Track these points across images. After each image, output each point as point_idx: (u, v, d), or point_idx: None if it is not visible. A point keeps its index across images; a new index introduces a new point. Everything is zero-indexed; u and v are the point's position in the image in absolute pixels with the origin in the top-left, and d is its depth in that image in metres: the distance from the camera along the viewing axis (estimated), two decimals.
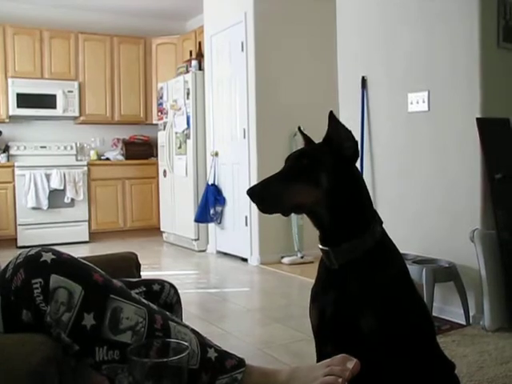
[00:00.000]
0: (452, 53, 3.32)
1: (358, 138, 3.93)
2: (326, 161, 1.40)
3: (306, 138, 1.64)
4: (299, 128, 1.63)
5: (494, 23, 3.24)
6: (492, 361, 2.49)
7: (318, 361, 1.34)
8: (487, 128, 3.15)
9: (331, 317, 1.38)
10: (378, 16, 3.84)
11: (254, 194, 1.35)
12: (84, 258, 1.19)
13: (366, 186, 1.47)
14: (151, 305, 1.13)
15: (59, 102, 6.98)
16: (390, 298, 1.36)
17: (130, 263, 1.65)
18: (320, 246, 1.46)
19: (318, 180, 1.36)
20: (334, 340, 1.38)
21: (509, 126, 3.28)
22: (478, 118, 3.14)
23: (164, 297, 1.39)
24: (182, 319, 1.41)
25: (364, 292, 1.36)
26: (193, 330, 1.17)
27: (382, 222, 1.45)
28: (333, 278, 1.42)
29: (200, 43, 6.58)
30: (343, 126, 1.44)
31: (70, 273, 1.04)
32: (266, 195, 1.36)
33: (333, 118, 1.45)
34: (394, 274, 1.41)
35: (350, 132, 1.43)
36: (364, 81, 3.92)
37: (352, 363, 1.14)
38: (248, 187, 1.37)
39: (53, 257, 1.05)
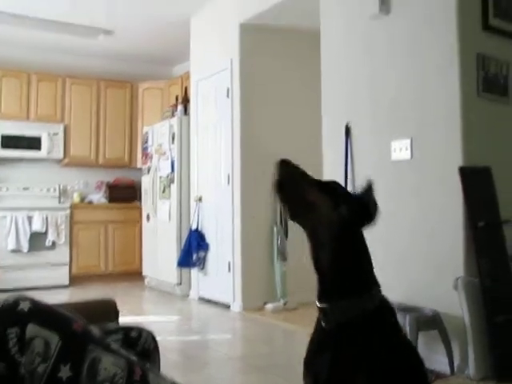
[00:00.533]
0: (434, 102, 3.38)
1: (341, 182, 3.95)
2: (353, 207, 1.42)
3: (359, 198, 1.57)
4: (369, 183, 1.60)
5: (473, 74, 3.32)
6: None
7: None
8: (469, 176, 3.19)
9: (325, 381, 1.35)
10: (362, 65, 3.92)
11: (282, 167, 1.57)
12: (62, 305, 1.16)
13: (369, 253, 1.47)
14: (131, 355, 1.10)
15: (44, 143, 6.98)
16: (387, 368, 1.33)
17: (109, 309, 1.62)
18: (317, 304, 1.42)
19: (340, 210, 1.40)
20: None
21: (490, 174, 3.33)
22: (460, 167, 3.18)
23: (141, 344, 1.36)
24: (159, 367, 1.38)
25: (360, 357, 1.32)
26: (173, 382, 1.14)
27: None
28: (328, 339, 1.39)
29: (186, 88, 6.65)
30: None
31: (48, 322, 1.01)
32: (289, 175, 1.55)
33: (372, 189, 1.49)
34: (393, 344, 1.39)
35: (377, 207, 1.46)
36: (348, 128, 3.96)
37: None
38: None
39: (30, 306, 1.03)
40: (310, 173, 1.57)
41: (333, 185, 1.53)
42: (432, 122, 3.40)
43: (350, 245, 1.41)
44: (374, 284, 1.42)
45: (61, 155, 7.13)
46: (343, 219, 1.40)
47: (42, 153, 6.99)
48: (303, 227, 1.52)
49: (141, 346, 1.35)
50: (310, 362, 1.43)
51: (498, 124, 3.51)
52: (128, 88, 7.67)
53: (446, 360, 3.13)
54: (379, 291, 1.43)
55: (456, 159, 3.22)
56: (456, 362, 3.14)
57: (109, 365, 1.04)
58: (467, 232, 3.17)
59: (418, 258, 3.42)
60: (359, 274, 1.40)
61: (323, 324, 1.40)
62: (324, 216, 1.42)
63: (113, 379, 1.03)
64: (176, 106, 6.51)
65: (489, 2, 3.41)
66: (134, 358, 1.10)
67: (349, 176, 3.95)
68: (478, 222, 3.14)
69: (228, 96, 5.46)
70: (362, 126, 3.89)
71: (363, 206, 1.43)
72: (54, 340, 1.00)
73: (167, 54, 7.53)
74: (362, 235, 1.45)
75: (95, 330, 1.13)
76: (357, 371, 1.30)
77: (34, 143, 6.93)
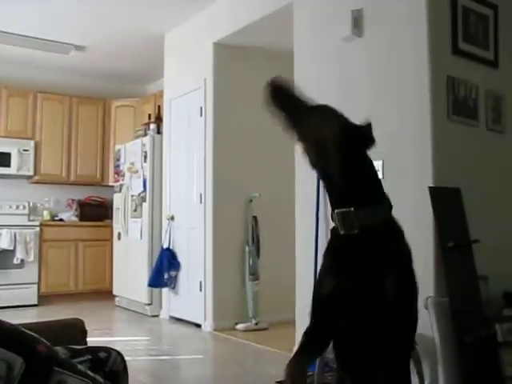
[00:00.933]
0: (405, 124, 3.43)
1: (313, 202, 3.97)
2: (351, 128, 1.55)
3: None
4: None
5: (443, 97, 3.38)
6: None
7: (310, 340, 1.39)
8: (439, 197, 3.23)
9: (354, 285, 1.36)
10: (335, 86, 3.96)
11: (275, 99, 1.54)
12: (28, 325, 1.13)
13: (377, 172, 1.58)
14: (97, 377, 1.08)
15: (14, 160, 6.88)
16: (409, 269, 1.52)
17: (76, 330, 1.59)
18: (337, 210, 1.47)
19: (338, 127, 1.49)
20: (352, 311, 1.37)
21: (460, 195, 3.37)
22: (430, 187, 3.21)
23: (110, 365, 1.34)
24: None
25: (389, 258, 1.44)
26: None
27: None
28: (351, 245, 1.41)
29: (159, 107, 6.64)
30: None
31: (11, 344, 0.99)
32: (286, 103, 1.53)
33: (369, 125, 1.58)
34: (409, 250, 1.55)
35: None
36: None
37: None
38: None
39: None
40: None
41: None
42: (403, 144, 3.44)
43: (358, 157, 1.51)
44: (386, 197, 1.56)
45: (31, 172, 7.04)
46: (346, 130, 1.50)
47: (12, 169, 6.89)
48: (302, 139, 1.62)
49: (109, 367, 1.33)
50: (329, 271, 1.44)
51: (467, 146, 3.56)
52: (100, 105, 7.63)
53: (416, 380, 3.13)
54: (390, 204, 1.56)
55: (426, 180, 3.26)
56: (426, 382, 3.15)
57: None
58: (437, 252, 3.20)
59: None
60: (374, 185, 1.53)
61: (342, 231, 1.41)
62: (328, 128, 1.51)
63: None
64: (149, 124, 6.49)
65: (458, 26, 3.48)
66: (100, 379, 1.08)
67: (321, 192, 3.96)
68: (448, 242, 3.17)
69: (201, 115, 5.47)
70: None
71: (360, 127, 1.56)
72: (18, 362, 0.97)
73: (140, 71, 7.52)
74: (368, 155, 1.56)
75: (61, 351, 1.10)
76: (384, 273, 1.35)
77: (3, 159, 6.83)
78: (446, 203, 3.28)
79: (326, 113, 1.55)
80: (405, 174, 3.42)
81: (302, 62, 4.27)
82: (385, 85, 3.58)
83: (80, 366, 1.08)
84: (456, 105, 3.44)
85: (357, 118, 3.75)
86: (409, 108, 3.42)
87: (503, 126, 3.81)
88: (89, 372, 1.07)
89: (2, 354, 0.97)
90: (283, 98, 1.48)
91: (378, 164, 3.55)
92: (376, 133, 3.58)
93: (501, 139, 3.83)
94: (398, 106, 3.48)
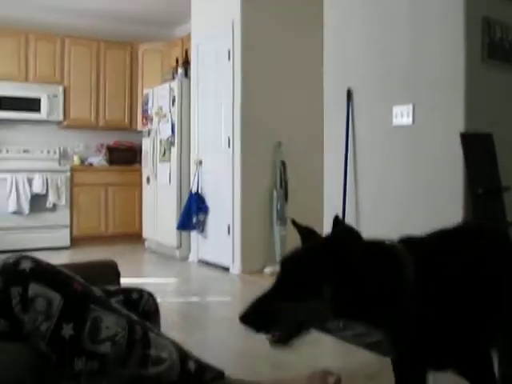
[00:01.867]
0: (438, 67, 3.35)
1: (342, 150, 3.95)
2: (328, 269, 1.16)
3: (303, 233, 1.33)
4: (293, 221, 1.34)
5: (478, 40, 3.28)
6: None
7: None
8: (470, 143, 3.18)
9: None
10: (364, 29, 3.87)
11: (247, 320, 1.16)
12: (64, 266, 1.17)
13: (375, 257, 1.24)
14: (131, 315, 1.11)
15: (43, 105, 6.93)
16: None
17: (110, 271, 1.63)
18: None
19: (322, 292, 1.14)
20: None
21: (492, 140, 3.31)
22: (461, 133, 3.16)
23: (142, 305, 1.37)
24: (160, 328, 1.39)
25: None
26: (173, 342, 1.16)
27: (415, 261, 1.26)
28: None
29: (187, 51, 6.57)
30: (352, 230, 1.23)
31: (49, 281, 1.02)
32: (262, 320, 1.15)
33: (339, 225, 1.25)
34: None
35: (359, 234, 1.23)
36: (349, 92, 3.93)
37: (333, 378, 1.13)
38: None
39: (31, 265, 1.03)
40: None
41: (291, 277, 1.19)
42: (435, 88, 3.37)
43: (350, 289, 1.17)
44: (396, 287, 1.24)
45: (60, 117, 7.09)
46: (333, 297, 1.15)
47: (42, 115, 6.95)
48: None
49: (142, 308, 1.36)
50: None
51: (501, 91, 3.48)
52: (128, 49, 7.58)
53: None
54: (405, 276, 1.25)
55: (458, 125, 3.21)
56: None
57: (110, 324, 1.05)
58: (467, 199, 3.18)
59: (417, 226, 3.44)
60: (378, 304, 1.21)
61: None
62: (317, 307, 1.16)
63: (114, 338, 1.05)
64: (176, 68, 6.44)
65: None
66: (134, 317, 1.12)
67: (349, 140, 3.93)
68: (478, 188, 3.14)
69: (229, 58, 5.40)
70: (364, 91, 3.86)
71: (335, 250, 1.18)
72: (57, 299, 1.01)
73: (168, 14, 7.41)
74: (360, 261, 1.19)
75: (96, 290, 1.14)
76: None
77: (33, 105, 6.88)
78: (478, 149, 3.23)
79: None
80: (436, 118, 3.37)
81: (331, 4, 4.16)
82: (417, 28, 3.48)
83: (115, 304, 1.11)
84: (491, 47, 3.35)
85: (387, 62, 3.67)
86: (442, 51, 3.33)
87: None
88: (123, 310, 1.11)
89: (42, 291, 1.01)
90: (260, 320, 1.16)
91: (408, 108, 3.50)
92: (407, 77, 3.53)
93: None
94: (431, 49, 3.40)
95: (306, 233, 1.31)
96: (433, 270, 1.28)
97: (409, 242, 1.32)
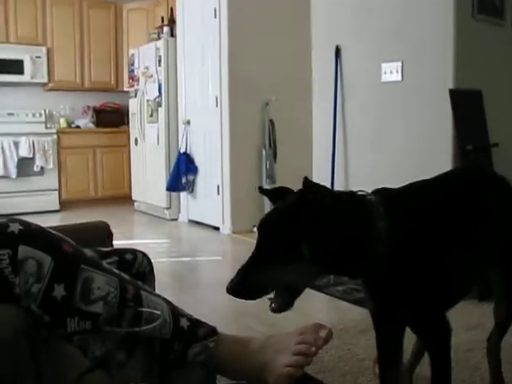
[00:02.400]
0: (426, 23, 3.31)
1: (330, 107, 3.93)
2: (305, 227, 1.15)
3: (273, 198, 1.31)
4: (259, 188, 1.32)
5: None
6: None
7: None
8: (460, 99, 3.17)
9: None
10: None
11: (235, 292, 1.16)
12: (54, 228, 1.16)
13: (349, 207, 1.22)
14: (123, 274, 1.12)
15: (27, 67, 6.80)
16: None
17: (102, 232, 1.63)
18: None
19: (302, 253, 1.13)
20: None
21: (481, 97, 3.31)
22: (450, 90, 3.15)
23: (137, 266, 1.38)
24: (154, 289, 1.40)
25: None
26: (165, 300, 1.16)
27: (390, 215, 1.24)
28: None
29: (172, 9, 6.45)
30: (322, 187, 1.17)
31: (39, 243, 1.02)
32: (248, 290, 1.16)
33: (308, 183, 1.16)
34: None
35: (328, 190, 1.20)
36: (338, 50, 3.89)
37: (325, 331, 1.15)
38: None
39: (20, 227, 1.03)
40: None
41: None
42: (424, 44, 3.34)
43: (330, 243, 1.16)
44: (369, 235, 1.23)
45: (45, 79, 6.97)
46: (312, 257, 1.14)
47: (26, 77, 6.83)
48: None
49: (136, 269, 1.36)
50: None
51: (491, 47, 3.46)
52: (112, 8, 7.42)
53: None
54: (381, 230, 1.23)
55: (447, 82, 3.20)
56: None
57: (102, 284, 1.05)
58: (456, 155, 3.19)
59: (405, 181, 3.45)
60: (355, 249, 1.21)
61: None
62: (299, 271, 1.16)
63: (106, 298, 1.05)
64: (162, 27, 6.33)
65: None
66: (126, 276, 1.12)
67: (338, 98, 3.91)
68: (467, 145, 3.15)
69: (215, 17, 5.31)
70: (353, 48, 3.83)
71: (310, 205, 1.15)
72: (47, 260, 1.01)
73: None
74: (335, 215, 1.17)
75: (87, 251, 1.14)
76: None
77: (16, 67, 6.75)
78: (467, 106, 3.23)
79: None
80: (425, 75, 3.35)
81: None
82: None
83: (106, 264, 1.11)
84: (481, 3, 3.31)
85: (376, 19, 3.62)
86: (431, 7, 3.29)
87: None
88: (114, 269, 1.11)
89: (32, 253, 1.00)
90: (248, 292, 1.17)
91: (397, 65, 3.47)
92: (396, 33, 3.49)
93: None
94: (419, 4, 3.35)
95: (276, 195, 1.29)
96: (405, 220, 1.28)
97: (382, 193, 1.31)
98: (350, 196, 1.26)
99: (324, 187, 1.17)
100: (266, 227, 1.21)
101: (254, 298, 1.18)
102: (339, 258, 1.19)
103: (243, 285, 1.17)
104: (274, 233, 1.18)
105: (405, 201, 1.34)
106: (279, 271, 1.15)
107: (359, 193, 1.27)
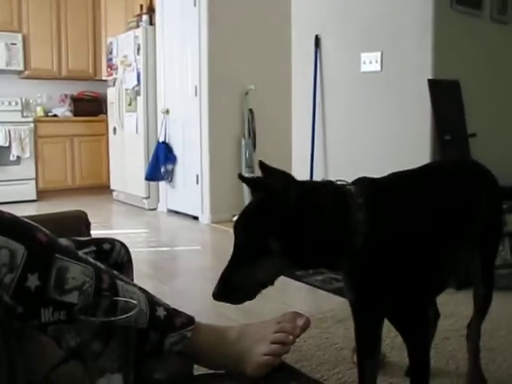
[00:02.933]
0: (406, 14, 3.32)
1: (310, 97, 3.92)
2: (272, 222, 1.13)
3: (252, 186, 1.28)
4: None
5: None
6: None
7: None
8: (438, 89, 3.19)
9: None
10: None
11: (221, 297, 1.16)
12: (31, 218, 1.14)
13: (324, 198, 1.19)
14: (98, 264, 1.10)
15: (1, 54, 6.69)
16: None
17: (80, 222, 1.60)
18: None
19: (271, 248, 1.12)
20: None
21: (459, 87, 3.33)
22: (429, 80, 3.17)
23: (115, 256, 1.36)
24: (132, 279, 1.38)
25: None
26: (141, 289, 1.15)
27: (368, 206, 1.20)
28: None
29: None
30: (282, 173, 1.15)
31: (12, 232, 1.00)
32: (232, 293, 1.16)
33: (266, 168, 1.17)
34: None
35: (291, 177, 1.16)
36: (317, 39, 3.89)
37: (302, 320, 1.15)
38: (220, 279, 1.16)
39: None
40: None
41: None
42: (403, 34, 3.35)
43: (300, 237, 1.14)
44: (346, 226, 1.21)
45: (21, 67, 6.87)
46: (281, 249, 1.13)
47: (1, 64, 6.72)
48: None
49: (114, 258, 1.35)
50: None
51: (469, 37, 3.48)
52: None
53: None
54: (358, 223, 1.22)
55: (426, 72, 3.21)
56: None
57: (77, 273, 1.04)
58: (434, 145, 3.21)
59: (384, 171, 3.46)
60: (329, 243, 1.19)
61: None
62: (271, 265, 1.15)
63: (81, 287, 1.03)
64: (141, 15, 6.26)
65: None
66: (102, 266, 1.10)
67: (317, 88, 3.91)
68: (445, 135, 3.17)
69: (195, 5, 5.27)
70: (332, 38, 3.82)
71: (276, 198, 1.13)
72: (20, 250, 0.99)
73: None
74: (303, 210, 1.14)
75: (63, 241, 1.12)
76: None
77: None
78: (445, 96, 3.25)
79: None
80: (404, 65, 3.36)
81: None
82: None
83: (81, 254, 1.09)
84: None
85: (355, 10, 3.62)
86: None
87: (509, 16, 3.70)
88: (90, 259, 1.09)
89: (5, 242, 0.98)
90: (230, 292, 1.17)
91: (376, 55, 3.48)
92: (375, 24, 3.49)
93: (504, 31, 3.74)
94: None
95: (255, 184, 1.26)
96: (385, 212, 1.25)
97: (362, 183, 1.27)
98: (325, 185, 1.23)
99: (289, 175, 1.14)
100: (238, 226, 1.18)
101: (240, 300, 1.18)
102: (313, 252, 1.17)
103: (226, 289, 1.16)
104: (244, 231, 1.16)
105: (385, 191, 1.30)
106: (254, 270, 1.14)
107: (338, 182, 1.24)
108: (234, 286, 1.15)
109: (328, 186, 1.23)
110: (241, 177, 1.29)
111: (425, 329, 1.38)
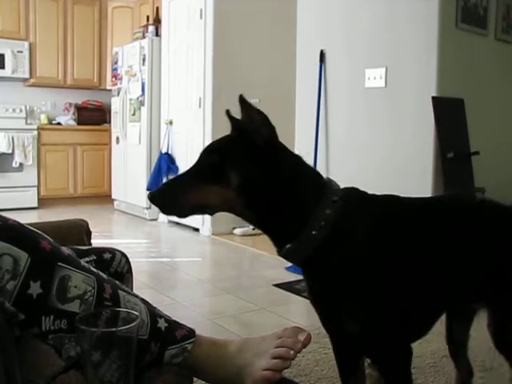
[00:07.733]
0: (411, 31, 3.34)
1: (313, 111, 3.93)
2: (236, 154, 1.15)
3: (234, 123, 1.27)
4: (227, 112, 1.27)
5: (453, 4, 3.28)
6: None
7: None
8: (442, 107, 3.20)
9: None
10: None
11: (154, 198, 1.15)
12: (32, 225, 1.14)
13: (303, 173, 1.21)
14: (100, 273, 1.10)
15: (8, 61, 6.72)
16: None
17: (81, 230, 1.60)
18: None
19: (227, 178, 1.13)
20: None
21: (463, 105, 3.34)
22: (433, 97, 3.18)
23: (115, 266, 1.36)
24: (132, 288, 1.38)
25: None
26: (143, 300, 1.15)
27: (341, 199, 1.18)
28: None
29: (158, 8, 6.42)
30: (257, 110, 1.18)
31: (16, 239, 0.99)
32: (166, 198, 1.15)
33: (244, 103, 1.19)
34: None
35: (265, 117, 1.20)
36: (322, 54, 3.90)
37: (303, 335, 1.14)
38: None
39: None
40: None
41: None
42: (408, 51, 3.36)
43: (261, 185, 1.15)
44: (315, 206, 1.17)
45: (26, 74, 6.90)
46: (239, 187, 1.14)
47: (7, 71, 6.74)
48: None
49: (114, 268, 1.34)
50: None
51: (474, 56, 3.49)
52: (97, 6, 7.37)
53: None
54: (329, 207, 1.18)
55: (430, 89, 3.22)
56: None
57: (79, 282, 1.03)
58: (436, 162, 3.21)
59: (386, 187, 3.46)
60: (291, 211, 1.17)
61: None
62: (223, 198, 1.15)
63: (83, 297, 1.03)
64: (147, 26, 6.30)
65: None
66: (104, 276, 1.10)
67: (321, 102, 3.92)
68: (448, 152, 3.17)
69: (201, 17, 5.30)
70: (337, 53, 3.84)
71: (249, 135, 1.17)
72: (23, 257, 0.99)
73: None
74: (277, 160, 1.16)
75: (65, 249, 1.12)
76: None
77: None
78: (449, 114, 3.26)
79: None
80: (408, 82, 3.37)
81: None
82: None
83: (83, 263, 1.09)
84: (465, 12, 3.34)
85: (361, 25, 3.64)
86: (416, 14, 3.31)
87: None
88: (92, 268, 1.09)
89: (8, 249, 0.98)
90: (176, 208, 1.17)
91: (381, 71, 3.49)
92: (380, 39, 3.50)
93: (509, 50, 3.75)
94: (404, 12, 3.37)
95: (236, 122, 1.26)
96: (353, 223, 1.17)
97: (348, 189, 1.25)
98: (308, 166, 1.23)
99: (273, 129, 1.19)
100: (206, 148, 1.21)
101: (171, 211, 1.18)
102: (265, 207, 1.17)
103: (165, 194, 1.16)
104: (209, 153, 1.19)
105: (367, 207, 1.23)
106: (199, 189, 1.15)
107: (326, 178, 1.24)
108: (173, 196, 1.16)
109: (312, 169, 1.25)
110: (227, 112, 1.28)
111: (398, 357, 1.21)
